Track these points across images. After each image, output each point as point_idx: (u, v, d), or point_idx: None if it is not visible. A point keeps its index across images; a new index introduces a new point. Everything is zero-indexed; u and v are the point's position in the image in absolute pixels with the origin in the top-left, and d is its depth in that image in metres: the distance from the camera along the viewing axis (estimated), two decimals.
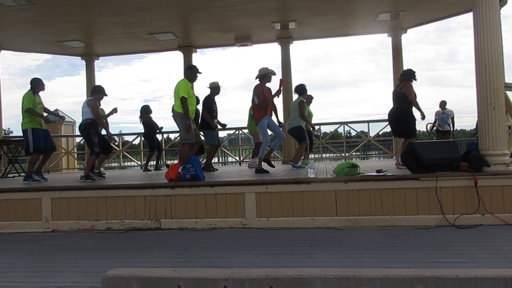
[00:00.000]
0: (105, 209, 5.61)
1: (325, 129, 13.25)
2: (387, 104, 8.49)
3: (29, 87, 7.18)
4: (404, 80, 6.68)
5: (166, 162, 11.80)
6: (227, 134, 12.93)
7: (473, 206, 4.88)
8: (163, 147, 12.71)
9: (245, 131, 11.38)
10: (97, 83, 11.19)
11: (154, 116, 9.73)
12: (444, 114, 11.65)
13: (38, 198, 5.78)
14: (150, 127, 9.50)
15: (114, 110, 7.95)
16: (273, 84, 6.99)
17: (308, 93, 8.71)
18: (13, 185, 6.72)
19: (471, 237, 4.36)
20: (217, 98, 8.56)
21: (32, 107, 7.00)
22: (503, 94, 5.35)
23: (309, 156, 9.76)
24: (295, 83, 8.79)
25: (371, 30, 10.46)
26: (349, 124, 12.13)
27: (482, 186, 4.91)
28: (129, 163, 13.62)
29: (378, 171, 5.52)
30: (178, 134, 10.75)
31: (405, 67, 8.71)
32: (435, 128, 11.82)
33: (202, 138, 8.88)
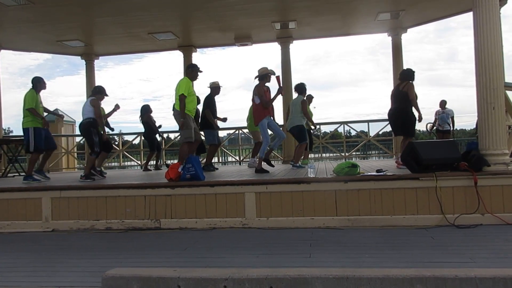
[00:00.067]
0: (105, 208, 5.61)
1: (325, 128, 13.28)
2: (387, 104, 8.55)
3: (29, 86, 7.19)
4: (405, 80, 6.70)
5: (166, 161, 11.80)
6: (227, 134, 12.94)
7: (473, 206, 4.88)
8: (163, 147, 12.72)
9: (245, 131, 11.39)
10: (97, 82, 11.23)
11: (154, 115, 9.74)
12: (444, 114, 11.65)
13: (38, 197, 5.78)
14: (150, 127, 9.48)
15: (117, 107, 7.89)
16: (272, 84, 7.00)
17: (308, 92, 8.72)
18: (13, 184, 6.71)
19: (471, 237, 4.36)
20: (217, 98, 8.60)
21: (34, 106, 7.01)
22: (503, 94, 5.34)
23: (309, 156, 9.77)
24: (295, 83, 8.78)
25: (371, 29, 10.46)
26: (349, 124, 12.14)
27: (482, 185, 4.91)
28: (129, 163, 13.62)
29: (378, 171, 5.52)
30: (178, 134, 10.78)
31: (405, 67, 8.71)
32: (435, 127, 11.82)
33: (203, 138, 8.90)
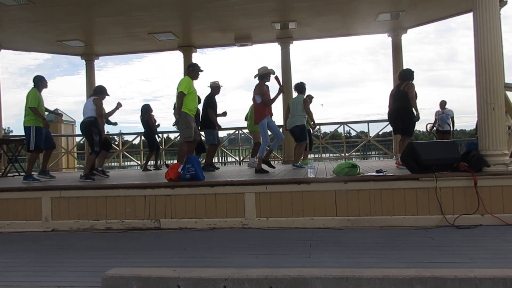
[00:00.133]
0: (105, 208, 5.61)
1: (325, 129, 13.28)
2: (387, 104, 8.49)
3: (29, 86, 7.20)
4: (405, 80, 6.74)
5: (166, 162, 11.80)
6: (227, 134, 12.95)
7: (473, 206, 4.88)
8: (163, 146, 12.72)
9: (245, 131, 11.39)
10: (97, 82, 11.21)
11: (154, 115, 9.72)
12: (443, 114, 11.65)
13: (38, 197, 5.78)
14: (150, 127, 9.47)
15: (119, 105, 7.88)
16: (271, 84, 7.02)
17: (309, 93, 8.72)
18: (13, 184, 6.71)
19: (471, 237, 4.37)
20: (217, 98, 8.61)
21: (36, 106, 7.01)
22: (503, 95, 5.35)
23: (308, 156, 9.76)
24: (295, 83, 8.78)
25: (371, 30, 10.46)
26: (349, 124, 12.16)
27: (481, 186, 4.91)
28: (129, 163, 13.62)
29: (378, 171, 5.52)
30: (178, 134, 10.77)
31: (405, 67, 8.71)
32: (435, 128, 11.82)
33: (203, 138, 8.91)
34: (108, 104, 7.57)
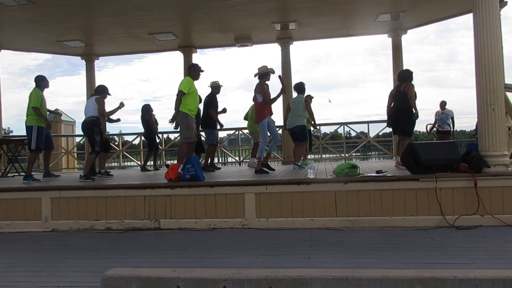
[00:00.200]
0: (105, 209, 5.61)
1: (325, 129, 13.29)
2: (386, 105, 8.49)
3: (29, 86, 7.26)
4: (404, 80, 6.77)
5: (165, 162, 11.80)
6: (227, 135, 12.96)
7: (473, 207, 4.88)
8: (163, 146, 12.72)
9: (245, 131, 11.39)
10: (97, 83, 11.19)
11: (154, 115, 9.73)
12: (443, 115, 11.66)
13: (38, 197, 5.78)
14: (151, 128, 9.47)
15: (121, 105, 7.90)
16: (271, 83, 7.02)
17: (309, 93, 8.71)
18: (13, 184, 6.72)
19: (471, 238, 4.36)
20: (217, 98, 8.60)
21: (39, 106, 7.02)
22: (503, 95, 5.35)
23: (307, 157, 9.76)
24: (295, 82, 8.77)
25: (371, 30, 10.47)
26: (349, 125, 12.15)
27: (481, 187, 4.91)
28: (129, 163, 13.63)
29: (377, 172, 5.52)
30: (178, 135, 10.78)
31: (405, 68, 8.71)
32: (434, 128, 11.82)
33: (203, 138, 8.92)
34: (108, 104, 7.58)
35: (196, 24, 9.50)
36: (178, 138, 9.29)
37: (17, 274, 3.71)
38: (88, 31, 9.86)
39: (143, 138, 11.50)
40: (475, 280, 2.80)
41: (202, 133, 8.74)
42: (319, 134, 12.48)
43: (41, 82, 7.24)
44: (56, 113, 9.34)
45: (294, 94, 8.34)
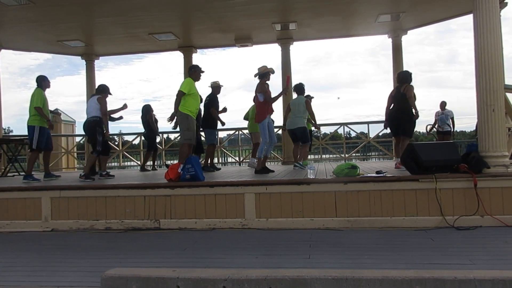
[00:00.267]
0: (105, 208, 5.61)
1: (325, 130, 13.29)
2: (385, 106, 8.49)
3: (29, 86, 7.29)
4: (404, 82, 6.78)
5: (166, 162, 11.80)
6: (227, 135, 12.96)
7: (473, 207, 4.88)
8: (163, 147, 12.72)
9: (245, 131, 11.39)
10: (97, 83, 11.18)
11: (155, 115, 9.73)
12: (443, 115, 11.65)
13: (38, 197, 5.78)
14: (151, 128, 9.47)
15: (125, 106, 7.94)
16: (271, 83, 7.04)
17: (308, 93, 8.71)
18: (13, 184, 6.71)
19: (471, 239, 4.37)
20: (218, 98, 8.62)
21: (42, 106, 7.02)
22: (503, 96, 5.36)
23: (308, 157, 9.74)
24: (295, 83, 8.78)
25: (372, 31, 10.48)
26: (349, 125, 12.16)
27: (481, 187, 4.91)
28: (128, 163, 13.63)
29: (377, 172, 5.52)
30: (177, 135, 10.78)
31: (405, 68, 8.73)
32: (434, 129, 11.82)
33: (203, 138, 8.92)
34: (109, 104, 7.58)
35: (196, 24, 9.51)
36: (178, 138, 9.29)
37: (16, 274, 3.71)
38: (88, 31, 9.86)
39: (143, 138, 11.50)
40: (475, 281, 2.80)
41: (202, 133, 8.75)
42: (319, 135, 12.48)
43: (42, 82, 7.25)
44: (56, 113, 9.34)
45: (294, 95, 8.35)
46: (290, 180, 5.50)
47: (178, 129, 7.05)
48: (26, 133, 7.30)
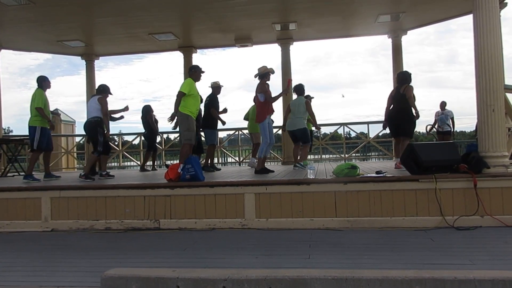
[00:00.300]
0: (105, 208, 5.61)
1: (325, 130, 13.29)
2: (385, 106, 8.48)
3: (29, 86, 7.31)
4: (403, 82, 6.78)
5: (165, 162, 11.80)
6: (227, 135, 12.96)
7: (473, 207, 4.88)
8: (163, 147, 12.72)
9: (245, 131, 11.39)
10: (97, 83, 11.19)
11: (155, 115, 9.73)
12: (443, 115, 11.66)
13: (38, 197, 5.78)
14: (151, 128, 9.47)
15: (126, 108, 7.96)
16: (271, 83, 7.05)
17: (308, 93, 8.71)
18: (13, 184, 6.71)
19: (470, 239, 4.37)
20: (218, 98, 8.62)
21: (43, 107, 7.02)
22: (503, 96, 5.35)
23: (308, 157, 9.74)
24: (295, 84, 8.78)
25: (372, 31, 10.48)
26: (348, 125, 12.16)
27: (481, 187, 4.91)
28: (128, 163, 13.64)
29: (377, 173, 5.52)
30: (177, 135, 10.78)
31: (405, 69, 8.73)
32: (434, 129, 11.82)
33: (203, 138, 8.92)
34: (109, 105, 7.60)
35: (196, 24, 9.51)
36: (178, 138, 9.29)
37: (16, 274, 3.71)
38: (88, 31, 9.86)
39: (143, 138, 11.50)
40: (475, 281, 2.80)
41: (202, 133, 8.75)
42: (319, 135, 12.48)
43: (43, 83, 7.25)
44: (55, 113, 9.34)
45: (294, 96, 8.35)
46: (290, 180, 5.50)
47: (178, 129, 7.06)
48: (26, 133, 7.30)
